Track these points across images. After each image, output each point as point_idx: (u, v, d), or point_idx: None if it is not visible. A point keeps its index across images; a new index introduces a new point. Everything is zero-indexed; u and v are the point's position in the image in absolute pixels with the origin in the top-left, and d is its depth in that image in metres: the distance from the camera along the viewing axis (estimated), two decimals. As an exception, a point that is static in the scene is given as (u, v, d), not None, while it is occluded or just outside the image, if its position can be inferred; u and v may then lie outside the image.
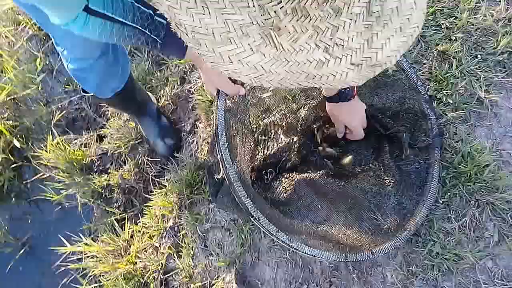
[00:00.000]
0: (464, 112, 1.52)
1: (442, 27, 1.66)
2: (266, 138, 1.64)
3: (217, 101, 1.19)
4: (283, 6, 0.56)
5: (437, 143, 1.43)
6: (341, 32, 0.59)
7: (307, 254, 1.18)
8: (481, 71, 1.57)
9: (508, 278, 1.30)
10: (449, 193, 1.42)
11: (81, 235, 1.75)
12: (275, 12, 0.57)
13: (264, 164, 1.58)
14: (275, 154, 1.60)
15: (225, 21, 0.57)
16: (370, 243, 1.30)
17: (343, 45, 0.60)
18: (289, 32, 0.58)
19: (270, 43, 0.59)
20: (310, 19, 0.57)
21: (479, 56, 1.60)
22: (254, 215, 1.17)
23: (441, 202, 1.41)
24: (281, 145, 1.61)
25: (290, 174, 1.56)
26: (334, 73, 0.63)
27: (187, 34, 0.60)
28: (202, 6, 0.57)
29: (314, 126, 1.61)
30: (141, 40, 0.94)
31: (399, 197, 1.41)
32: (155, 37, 0.94)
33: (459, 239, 1.35)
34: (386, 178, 1.47)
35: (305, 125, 1.59)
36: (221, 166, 1.18)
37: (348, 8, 0.58)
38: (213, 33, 0.58)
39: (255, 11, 0.56)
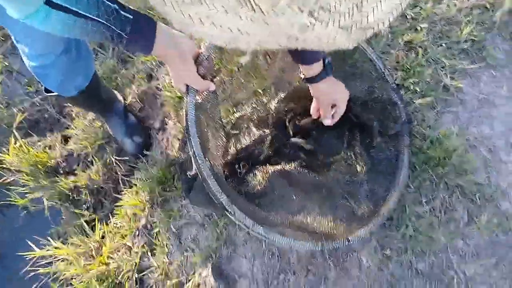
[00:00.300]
0: (431, 99, 1.56)
1: (408, 17, 1.70)
2: (238, 132, 1.63)
3: (187, 98, 1.17)
4: None
5: (405, 130, 1.45)
6: None
7: (284, 245, 1.17)
8: (446, 59, 1.61)
9: (478, 256, 1.34)
10: (419, 178, 1.45)
11: (50, 238, 1.67)
12: None
13: (236, 158, 1.56)
14: (247, 147, 1.59)
15: None
16: (345, 230, 1.31)
17: (329, 10, 0.55)
18: None
19: (246, 4, 0.53)
20: None
21: (443, 44, 1.64)
22: (229, 210, 1.15)
23: (412, 187, 1.44)
24: (253, 139, 1.60)
25: (263, 167, 1.55)
26: (320, 36, 0.58)
27: None
28: None
29: (286, 118, 1.61)
30: (105, 36, 0.90)
31: (371, 184, 1.43)
32: (120, 32, 0.90)
33: (431, 222, 1.38)
34: (358, 166, 1.48)
35: (276, 117, 1.59)
36: (193, 162, 1.16)
37: None
38: None
39: None
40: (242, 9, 0.54)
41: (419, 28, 1.69)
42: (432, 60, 1.63)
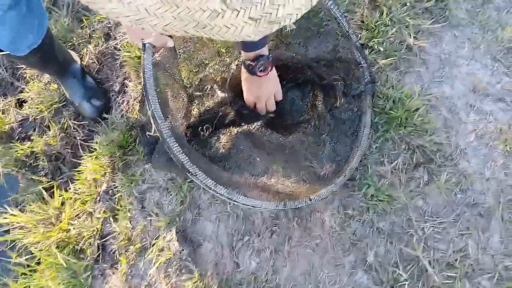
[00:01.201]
0: (394, 59, 1.55)
1: (372, -25, 1.67)
2: (201, 93, 1.59)
3: (144, 54, 1.11)
4: None
5: (369, 90, 1.45)
6: None
7: (247, 205, 1.16)
8: (410, 19, 1.60)
9: (437, 214, 1.38)
10: (381, 138, 1.46)
11: (6, 206, 1.62)
12: None
13: (200, 120, 1.53)
14: (211, 109, 1.56)
15: None
16: (308, 190, 1.32)
17: None
18: None
19: None
20: None
21: (408, 3, 1.63)
22: (191, 171, 1.13)
23: (374, 147, 1.45)
24: (216, 100, 1.56)
25: (227, 129, 1.53)
26: (229, 25, 0.58)
27: None
28: None
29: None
30: None
31: (334, 145, 1.43)
32: None
33: (392, 181, 1.41)
34: (321, 127, 1.48)
35: (239, 79, 1.55)
36: (152, 122, 1.12)
37: None
38: None
39: None
40: None
41: (384, -14, 1.66)
42: (396, 19, 1.61)
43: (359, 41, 1.47)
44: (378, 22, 1.60)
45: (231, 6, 0.55)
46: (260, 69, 1.29)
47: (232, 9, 0.56)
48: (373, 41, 1.57)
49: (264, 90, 1.41)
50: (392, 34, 1.58)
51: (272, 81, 1.40)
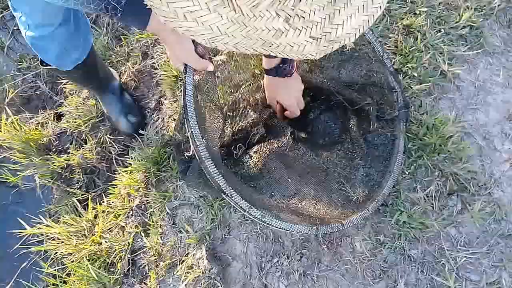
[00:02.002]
0: (428, 85, 1.55)
1: (407, 1, 1.68)
2: (234, 114, 1.62)
3: (185, 77, 1.15)
4: None
5: (402, 115, 1.45)
6: (303, 3, 0.57)
7: (280, 228, 1.17)
8: (444, 45, 1.60)
9: (470, 244, 1.35)
10: (414, 164, 1.45)
11: (41, 217, 1.67)
12: None
13: (233, 139, 1.56)
14: (243, 129, 1.58)
15: None
16: (340, 215, 1.32)
17: (304, 17, 0.59)
18: None
19: (228, 4, 0.56)
20: None
21: (442, 30, 1.63)
22: (227, 192, 1.15)
23: (407, 173, 1.45)
24: (249, 120, 1.59)
25: (259, 148, 1.55)
26: (292, 44, 0.62)
27: None
28: None
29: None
30: (100, 7, 0.90)
31: (367, 169, 1.43)
32: (115, 4, 0.90)
33: (425, 209, 1.39)
34: (354, 150, 1.48)
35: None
36: (191, 143, 1.15)
37: None
38: None
39: None
40: (224, 9, 0.57)
41: (418, 12, 1.67)
42: (431, 45, 1.62)
43: (393, 66, 1.47)
44: (412, 48, 1.60)
45: (293, 25, 0.59)
46: (288, 68, 1.31)
47: (294, 28, 0.60)
48: (407, 67, 1.58)
49: (292, 90, 1.43)
50: (426, 60, 1.58)
51: (298, 79, 1.42)
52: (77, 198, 1.76)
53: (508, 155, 1.47)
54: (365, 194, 1.36)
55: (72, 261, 1.56)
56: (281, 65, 1.30)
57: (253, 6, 0.56)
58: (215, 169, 1.14)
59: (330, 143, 1.52)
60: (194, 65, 1.14)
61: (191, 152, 1.17)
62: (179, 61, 1.15)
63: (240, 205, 1.16)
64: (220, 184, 1.14)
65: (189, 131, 1.12)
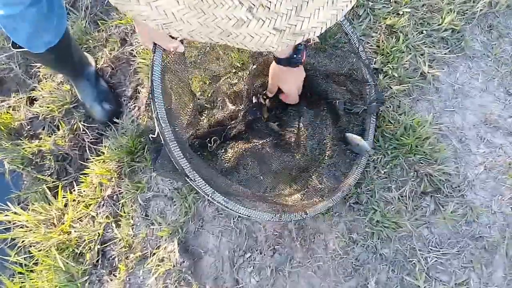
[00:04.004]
0: (408, 86, 1.55)
1: (391, 1, 1.68)
2: (212, 105, 1.60)
3: (153, 56, 1.12)
4: None
5: (372, 109, 1.44)
6: None
7: (243, 215, 1.16)
8: (426, 47, 1.61)
9: (441, 245, 1.36)
10: (390, 164, 1.45)
11: (9, 203, 1.62)
12: None
13: (209, 131, 1.53)
14: (220, 121, 1.56)
15: None
16: (306, 205, 1.31)
17: (269, 8, 0.56)
18: None
19: None
20: None
21: (424, 31, 1.63)
22: (190, 176, 1.12)
23: (382, 172, 1.45)
24: (226, 113, 1.57)
25: (235, 143, 1.53)
26: (253, 34, 0.59)
27: None
28: None
29: (260, 95, 1.58)
30: None
31: (335, 161, 1.43)
32: None
33: (399, 208, 1.40)
34: (324, 141, 1.48)
35: (252, 92, 1.56)
36: (156, 125, 1.12)
37: None
38: None
39: None
40: None
41: (401, 12, 1.67)
42: (412, 46, 1.62)
43: (369, 61, 1.47)
44: (394, 48, 1.60)
45: (256, 15, 0.56)
46: (301, 59, 1.29)
47: (257, 18, 0.57)
48: (388, 67, 1.58)
49: (297, 79, 1.43)
50: (407, 61, 1.59)
51: (302, 69, 1.40)
52: (48, 185, 1.71)
53: (483, 158, 1.48)
54: (333, 185, 1.36)
55: (40, 250, 1.51)
56: (294, 55, 1.28)
57: None
58: (180, 152, 1.11)
59: (302, 136, 1.51)
60: (164, 45, 1.10)
61: (155, 134, 1.14)
62: (148, 39, 1.11)
63: (204, 190, 1.13)
64: (183, 167, 1.11)
65: (154, 112, 1.09)
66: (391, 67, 1.57)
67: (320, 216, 1.39)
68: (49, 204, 1.61)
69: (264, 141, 1.52)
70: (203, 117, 1.57)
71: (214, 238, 1.41)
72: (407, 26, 1.63)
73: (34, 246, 1.52)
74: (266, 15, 0.57)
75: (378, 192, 1.41)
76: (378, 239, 1.36)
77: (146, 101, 1.63)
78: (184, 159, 1.13)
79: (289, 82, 1.43)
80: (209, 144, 1.51)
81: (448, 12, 1.66)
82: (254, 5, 0.55)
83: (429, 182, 1.43)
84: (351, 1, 0.63)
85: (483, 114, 1.55)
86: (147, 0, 0.54)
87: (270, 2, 0.55)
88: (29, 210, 1.61)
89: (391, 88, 1.55)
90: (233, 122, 1.56)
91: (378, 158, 1.46)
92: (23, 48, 1.37)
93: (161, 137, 1.11)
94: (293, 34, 0.61)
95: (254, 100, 1.56)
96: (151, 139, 1.27)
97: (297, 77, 1.42)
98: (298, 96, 1.50)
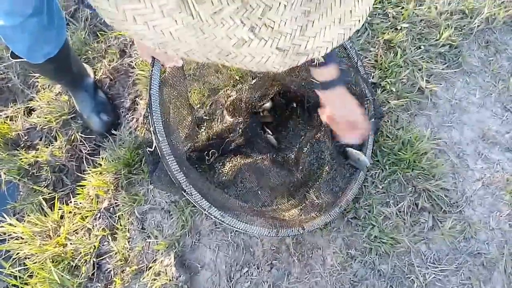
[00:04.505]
0: (406, 100, 1.56)
1: (389, 16, 1.69)
2: (210, 118, 1.60)
3: (152, 70, 1.12)
4: None
5: (372, 125, 1.44)
6: (273, 13, 0.52)
7: (239, 229, 1.15)
8: (424, 62, 1.62)
9: (439, 261, 1.36)
10: (388, 179, 1.45)
11: (4, 214, 1.60)
12: None
13: (207, 144, 1.53)
14: (219, 134, 1.56)
15: None
16: (303, 220, 1.31)
17: (272, 27, 0.53)
18: (212, 3, 0.50)
19: (185, 9, 0.51)
20: None
21: (422, 47, 1.64)
22: (187, 190, 1.12)
23: (380, 187, 1.44)
24: (225, 125, 1.57)
25: (233, 157, 1.53)
26: (254, 54, 0.56)
27: None
28: None
29: (259, 107, 1.58)
30: None
31: (333, 175, 1.42)
32: None
33: (396, 224, 1.39)
34: (323, 156, 1.47)
35: (251, 105, 1.56)
36: (153, 138, 1.12)
37: None
38: None
39: None
40: (180, 13, 0.51)
41: (399, 27, 1.68)
42: (410, 61, 1.63)
43: (368, 76, 1.47)
44: (392, 63, 1.61)
45: (259, 35, 0.54)
46: (350, 75, 1.18)
47: (260, 38, 0.54)
48: (386, 81, 1.58)
49: (351, 99, 1.21)
50: (404, 76, 1.59)
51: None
52: (44, 196, 1.69)
53: (481, 174, 1.48)
54: (331, 200, 1.35)
55: (35, 263, 1.50)
56: (341, 75, 1.14)
57: (215, 12, 0.51)
58: (177, 166, 1.11)
59: (300, 148, 1.51)
60: (162, 59, 1.10)
61: (153, 148, 1.14)
62: (146, 54, 1.11)
63: (200, 204, 1.13)
64: (180, 181, 1.11)
65: (152, 126, 1.09)
66: (389, 81, 1.58)
67: (318, 231, 1.39)
68: (45, 216, 1.60)
69: (263, 155, 1.52)
70: (202, 130, 1.57)
71: (211, 252, 1.40)
72: (405, 41, 1.64)
73: (29, 258, 1.51)
74: (269, 34, 0.54)
75: (376, 207, 1.41)
76: (376, 254, 1.35)
77: (145, 113, 1.62)
78: (181, 173, 1.13)
79: (347, 108, 1.20)
80: (207, 157, 1.51)
81: (445, 28, 1.67)
82: (256, 25, 0.53)
83: (427, 197, 1.43)
84: (359, 20, 0.60)
85: (481, 130, 1.55)
86: (144, 19, 0.52)
87: (273, 21, 0.53)
88: (24, 221, 1.60)
89: (389, 102, 1.56)
90: (231, 135, 1.56)
91: (376, 173, 1.46)
92: (22, 58, 1.37)
93: (158, 151, 1.11)
94: (296, 54, 0.58)
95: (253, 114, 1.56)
96: (149, 152, 1.27)
97: (347, 98, 1.20)
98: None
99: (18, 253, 1.53)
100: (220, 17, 0.51)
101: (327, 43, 0.59)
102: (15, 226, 1.56)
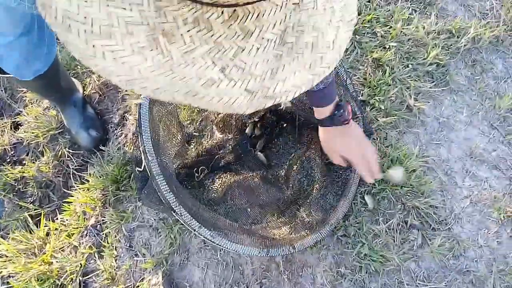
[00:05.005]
0: (394, 118, 1.57)
1: (378, 35, 1.71)
2: (200, 134, 1.59)
3: None
4: (184, 14, 0.49)
5: None
6: (245, 54, 0.52)
7: (230, 249, 1.15)
8: (412, 80, 1.64)
9: (428, 279, 1.36)
10: (377, 197, 1.45)
11: (-12, 232, 1.57)
12: (173, 18, 0.49)
13: (196, 161, 1.52)
14: (208, 151, 1.55)
15: (109, 13, 0.49)
16: (293, 239, 1.30)
17: (243, 69, 0.53)
18: (185, 42, 0.50)
19: (157, 48, 0.51)
20: (213, 34, 0.51)
21: (410, 65, 1.67)
22: (176, 210, 1.12)
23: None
24: (215, 142, 1.57)
25: (223, 174, 1.52)
26: (222, 95, 0.55)
27: (55, 17, 0.50)
28: None
29: (249, 123, 1.58)
30: None
31: (323, 193, 1.43)
32: None
33: (386, 241, 1.39)
34: (313, 173, 1.48)
35: (241, 122, 1.56)
36: (143, 158, 1.12)
37: (260, 32, 0.52)
38: (91, 23, 0.49)
39: (149, 11, 0.49)
40: (151, 52, 0.51)
41: (387, 46, 1.70)
42: (398, 79, 1.65)
43: (357, 94, 1.48)
44: (380, 81, 1.63)
45: (229, 76, 0.53)
46: (345, 114, 1.18)
47: (229, 79, 0.54)
48: (374, 99, 1.60)
49: (354, 139, 1.25)
50: (393, 94, 1.61)
51: (356, 125, 1.29)
52: (29, 213, 1.66)
53: (468, 191, 1.50)
54: (321, 218, 1.35)
55: (20, 281, 1.46)
56: (336, 112, 1.17)
57: (186, 52, 0.51)
58: (166, 186, 1.11)
59: (290, 165, 1.51)
60: None
61: (142, 168, 1.14)
62: None
63: (190, 224, 1.12)
64: (170, 201, 1.10)
65: (141, 145, 1.08)
66: (378, 99, 1.59)
67: (307, 249, 1.38)
68: (31, 233, 1.57)
69: (253, 172, 1.52)
70: (191, 146, 1.56)
71: (199, 270, 1.38)
72: (393, 59, 1.67)
73: (13, 277, 1.47)
74: (240, 76, 0.54)
75: (366, 224, 1.41)
76: (366, 273, 1.35)
77: (134, 130, 1.61)
78: (171, 193, 1.12)
79: (344, 145, 1.24)
80: (196, 174, 1.50)
81: (433, 47, 1.70)
82: (227, 66, 0.52)
83: (416, 215, 1.43)
84: (329, 67, 0.61)
85: (468, 148, 1.57)
86: (113, 56, 0.51)
87: (245, 63, 0.53)
88: (9, 239, 1.56)
89: (378, 120, 1.57)
90: (221, 151, 1.55)
91: (365, 190, 1.46)
92: (10, 74, 1.36)
93: (148, 171, 1.11)
94: (265, 97, 0.58)
95: (247, 131, 1.56)
96: (138, 172, 1.26)
97: (350, 136, 1.24)
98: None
99: (1, 272, 1.50)
100: (192, 56, 0.51)
101: (296, 88, 0.59)
102: (0, 244, 1.52)
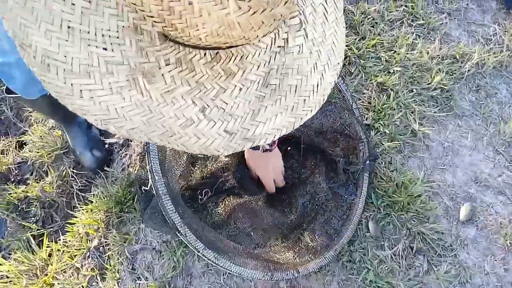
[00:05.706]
0: (399, 143, 1.57)
1: (382, 59, 1.73)
2: (205, 156, 1.59)
3: None
4: (166, 54, 0.50)
5: (367, 167, 1.45)
6: (227, 95, 0.53)
7: (234, 273, 1.15)
8: (416, 105, 1.64)
9: (434, 307, 1.34)
10: (383, 222, 1.44)
11: (-10, 252, 1.57)
12: (156, 58, 0.50)
13: (201, 183, 1.52)
14: (213, 173, 1.55)
15: (90, 52, 0.49)
16: (298, 263, 1.29)
17: (224, 109, 0.54)
18: (165, 83, 0.51)
19: (136, 87, 0.51)
20: (195, 75, 0.51)
21: (414, 90, 1.67)
22: (181, 231, 1.11)
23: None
24: (219, 165, 1.56)
25: (226, 197, 1.51)
26: (200, 136, 0.55)
27: (34, 57, 0.50)
28: (68, 32, 0.48)
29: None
30: None
31: (328, 217, 1.42)
32: None
33: (392, 267, 1.38)
34: (317, 198, 1.47)
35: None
36: (149, 177, 1.12)
37: (243, 73, 0.53)
38: (71, 63, 0.50)
39: (131, 51, 0.49)
40: (130, 91, 0.51)
41: (392, 71, 1.72)
42: (403, 104, 1.65)
43: (362, 118, 1.49)
44: (385, 105, 1.63)
45: (208, 116, 0.53)
46: (266, 146, 1.27)
47: (209, 119, 0.54)
48: (379, 123, 1.60)
49: (271, 166, 1.39)
50: (398, 118, 1.61)
51: (278, 156, 1.40)
52: (32, 233, 1.65)
53: (474, 217, 1.48)
54: (325, 243, 1.34)
55: (19, 303, 1.45)
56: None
57: (167, 91, 0.51)
58: (172, 206, 1.11)
59: (295, 189, 1.51)
60: None
61: (148, 187, 1.14)
62: None
63: (195, 246, 1.12)
64: (175, 222, 1.10)
65: (148, 164, 1.09)
66: (382, 123, 1.60)
67: (312, 274, 1.36)
68: (33, 254, 1.56)
69: (255, 196, 1.51)
70: (196, 168, 1.56)
71: (202, 295, 1.36)
72: (398, 84, 1.67)
73: (13, 299, 1.46)
74: (220, 116, 0.54)
75: (371, 250, 1.40)
76: (371, 299, 1.33)
77: (140, 151, 1.62)
78: (176, 213, 1.12)
79: (262, 168, 1.40)
80: (199, 196, 1.49)
81: (437, 72, 1.71)
82: (208, 106, 0.53)
83: (421, 240, 1.42)
84: (311, 110, 0.61)
85: (473, 173, 1.57)
86: (90, 95, 0.51)
87: (226, 103, 0.53)
88: (11, 259, 1.55)
89: (383, 144, 1.57)
90: (225, 174, 1.55)
91: (370, 215, 1.45)
92: (17, 94, 1.37)
93: (154, 190, 1.11)
94: (243, 139, 0.57)
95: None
96: (144, 191, 1.26)
97: (268, 164, 1.38)
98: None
99: (2, 293, 1.48)
100: (172, 96, 0.51)
101: (276, 131, 0.59)
102: (1, 264, 1.51)
